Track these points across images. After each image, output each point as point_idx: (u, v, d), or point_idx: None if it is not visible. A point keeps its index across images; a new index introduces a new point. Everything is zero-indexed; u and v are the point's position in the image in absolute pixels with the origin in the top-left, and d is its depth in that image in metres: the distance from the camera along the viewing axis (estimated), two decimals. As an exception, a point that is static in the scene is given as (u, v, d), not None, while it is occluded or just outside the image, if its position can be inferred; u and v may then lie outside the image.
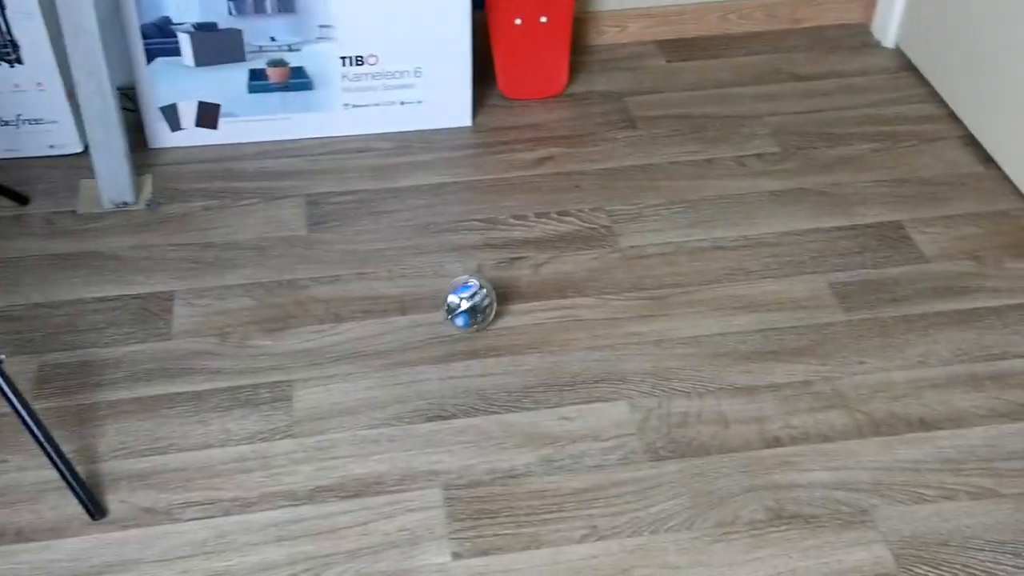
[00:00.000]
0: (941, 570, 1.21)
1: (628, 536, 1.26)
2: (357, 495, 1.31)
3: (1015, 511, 1.26)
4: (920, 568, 1.21)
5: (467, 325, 1.46)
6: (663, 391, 1.44)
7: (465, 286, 1.47)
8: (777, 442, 1.37)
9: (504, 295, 1.59)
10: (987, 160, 1.81)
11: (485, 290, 1.47)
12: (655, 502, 1.30)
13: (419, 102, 1.89)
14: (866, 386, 1.44)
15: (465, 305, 1.44)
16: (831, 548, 1.24)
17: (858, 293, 1.58)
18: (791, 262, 1.64)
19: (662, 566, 1.23)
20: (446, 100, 1.89)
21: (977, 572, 1.20)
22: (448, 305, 1.46)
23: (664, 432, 1.38)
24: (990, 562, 1.21)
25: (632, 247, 1.67)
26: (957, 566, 1.21)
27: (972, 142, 1.85)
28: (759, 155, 1.84)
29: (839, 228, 1.70)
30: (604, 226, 1.71)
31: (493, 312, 1.49)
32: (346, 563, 1.24)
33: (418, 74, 1.86)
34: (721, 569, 1.22)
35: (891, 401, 1.42)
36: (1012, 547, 1.22)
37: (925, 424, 1.38)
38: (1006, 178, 1.76)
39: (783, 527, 1.27)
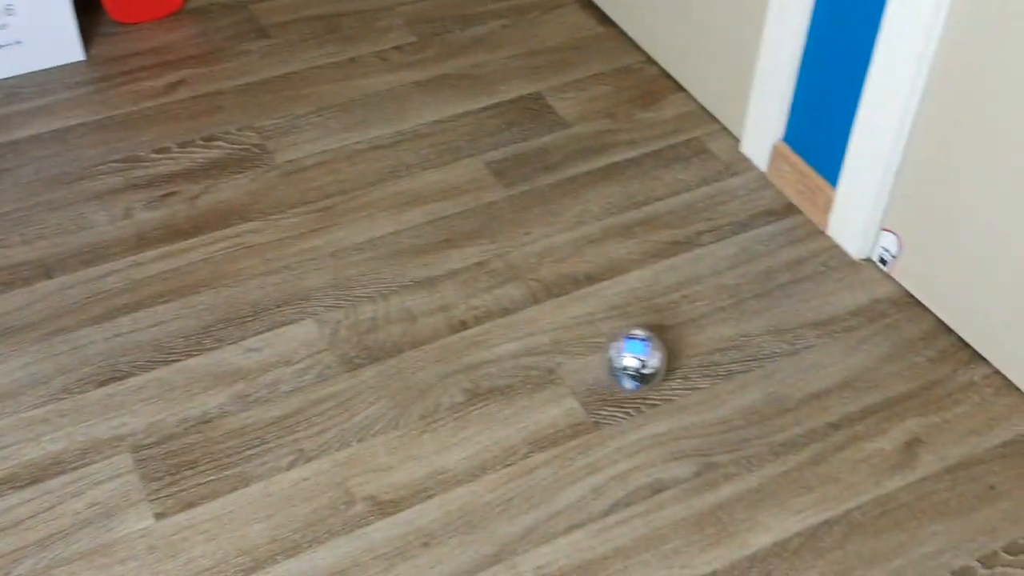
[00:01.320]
0: (623, 406, 1.30)
1: (337, 450, 1.25)
2: (35, 481, 1.19)
3: (676, 338, 1.38)
4: (606, 410, 1.30)
5: (635, 389, 1.28)
6: (347, 301, 1.42)
7: (641, 342, 1.26)
8: (463, 325, 1.40)
9: (160, 236, 1.48)
10: (605, 21, 1.89)
11: (661, 353, 1.27)
12: (358, 411, 1.29)
13: (18, 42, 1.68)
14: (534, 255, 1.50)
15: (646, 370, 1.25)
16: (527, 412, 1.30)
17: (513, 168, 1.63)
18: (447, 149, 1.66)
19: (375, 470, 1.24)
20: (49, 36, 1.69)
21: (655, 401, 1.30)
22: (622, 364, 1.26)
23: (355, 341, 1.37)
24: (665, 389, 1.32)
25: (289, 161, 1.61)
26: (637, 400, 1.31)
27: (589, 5, 1.92)
28: (398, 47, 1.82)
29: (485, 108, 1.74)
30: (256, 145, 1.63)
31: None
32: (39, 554, 1.13)
33: (10, 11, 1.64)
34: (431, 458, 1.25)
35: (558, 264, 1.49)
36: (680, 371, 1.34)
37: (591, 278, 1.46)
38: (624, 35, 1.86)
39: (482, 404, 1.31)
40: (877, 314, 1.40)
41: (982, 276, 1.31)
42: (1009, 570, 1.13)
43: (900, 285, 1.43)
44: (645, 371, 1.26)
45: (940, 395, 1.30)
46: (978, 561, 1.14)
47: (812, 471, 1.22)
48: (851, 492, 1.20)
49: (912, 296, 1.42)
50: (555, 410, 1.29)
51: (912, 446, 1.25)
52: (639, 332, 1.27)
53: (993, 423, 1.27)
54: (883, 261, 1.45)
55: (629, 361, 1.26)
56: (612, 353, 1.27)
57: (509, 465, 1.24)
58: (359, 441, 1.26)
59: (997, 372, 1.32)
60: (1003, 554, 1.14)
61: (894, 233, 1.42)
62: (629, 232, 1.53)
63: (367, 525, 1.18)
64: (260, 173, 1.59)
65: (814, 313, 1.40)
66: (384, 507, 1.20)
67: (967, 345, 1.36)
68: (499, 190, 1.59)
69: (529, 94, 1.76)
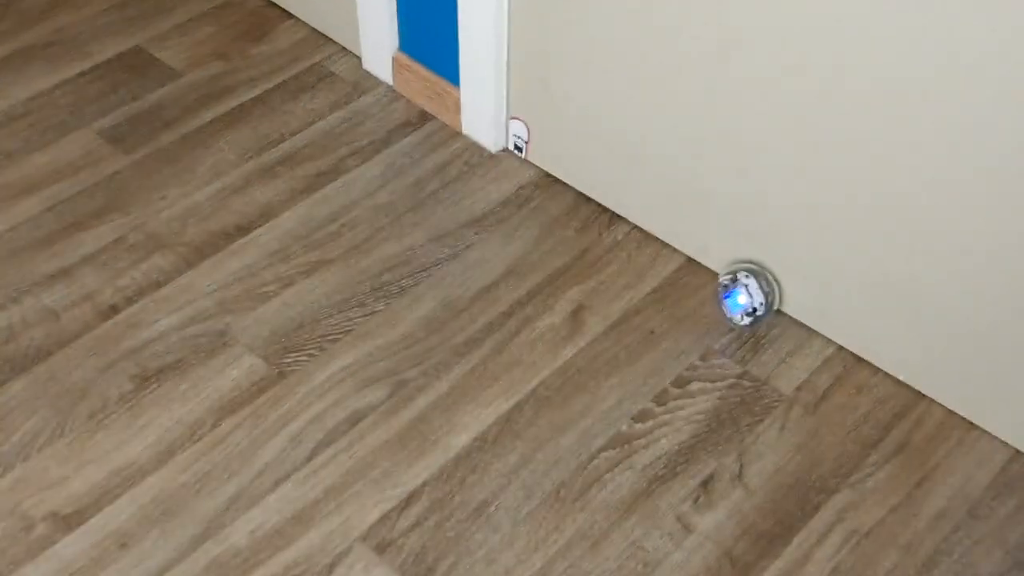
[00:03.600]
0: (305, 350, 1.29)
1: (1, 477, 1.16)
2: None
3: (343, 268, 1.38)
4: (288, 357, 1.28)
5: (768, 314, 1.26)
6: (-28, 315, 1.30)
7: (730, 296, 1.24)
8: (114, 310, 1.33)
9: None
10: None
11: (753, 282, 1.24)
12: (14, 429, 1.20)
13: None
14: (176, 218, 1.43)
15: (760, 310, 1.23)
16: (206, 381, 1.26)
17: (130, 132, 1.54)
18: (50, 126, 1.53)
19: (49, 485, 1.16)
20: None
21: (335, 335, 1.31)
22: (741, 323, 1.25)
23: (-8, 356, 1.27)
24: (343, 321, 1.32)
25: None
26: (317, 339, 1.30)
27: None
28: (-36, 23, 1.65)
29: (82, 74, 1.61)
30: None
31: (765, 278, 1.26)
32: None
33: None
34: (110, 456, 1.19)
35: (204, 222, 1.43)
36: (354, 300, 1.34)
37: (242, 229, 1.42)
38: (220, -30, 1.79)
39: (154, 386, 1.26)
40: (523, 200, 1.45)
41: (601, 142, 1.37)
42: (680, 401, 1.24)
43: (538, 167, 1.49)
44: (760, 312, 1.26)
45: (592, 260, 1.38)
46: (652, 401, 1.24)
47: (495, 361, 1.26)
48: (533, 371, 1.26)
49: (550, 175, 1.48)
50: (235, 371, 1.26)
51: (578, 314, 1.32)
52: (724, 280, 1.27)
53: (642, 273, 1.36)
54: (518, 148, 1.49)
55: (742, 318, 1.27)
56: (728, 316, 1.28)
57: (198, 440, 1.20)
58: (23, 460, 1.18)
59: (636, 227, 1.41)
60: (672, 388, 1.25)
61: (521, 120, 1.46)
62: (271, 173, 1.50)
63: (54, 544, 1.11)
64: None
65: (467, 213, 1.43)
66: (69, 520, 1.13)
67: (606, 209, 1.44)
68: (120, 158, 1.51)
69: (128, 49, 1.66)
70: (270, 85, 1.62)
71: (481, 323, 1.31)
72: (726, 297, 1.27)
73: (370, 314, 1.32)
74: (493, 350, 1.28)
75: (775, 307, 1.29)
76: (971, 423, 1.22)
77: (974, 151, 1.03)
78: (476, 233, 1.41)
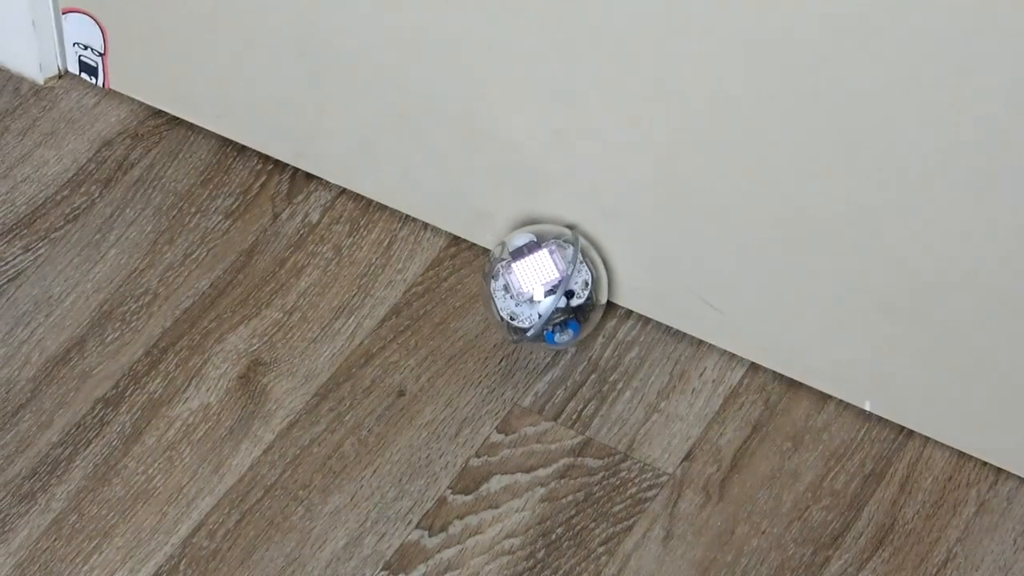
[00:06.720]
0: None
1: None
2: None
3: None
4: None
5: (577, 332, 1.22)
6: None
7: (534, 252, 1.20)
8: None
9: None
10: None
11: (569, 251, 1.23)
12: None
13: None
14: None
15: (578, 295, 1.21)
16: None
17: None
18: None
19: None
20: None
21: None
22: (520, 321, 1.19)
23: None
24: None
25: None
26: None
27: None
28: None
29: None
30: None
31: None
32: None
33: None
34: None
35: None
36: None
37: None
38: None
39: None
40: (115, 168, 1.33)
41: (257, 38, 1.29)
42: (470, 519, 1.09)
43: (133, 100, 1.38)
44: (579, 295, 1.20)
45: (267, 269, 1.27)
46: (419, 528, 1.10)
47: (99, 499, 1.12)
48: (181, 506, 1.12)
49: (160, 113, 1.37)
50: None
51: (251, 378, 1.21)
52: (515, 245, 1.20)
53: (368, 280, 1.25)
54: (88, 69, 1.42)
55: (523, 310, 1.18)
56: (509, 311, 1.19)
57: None
58: None
59: (344, 192, 1.31)
60: (453, 497, 1.11)
61: (87, 13, 1.37)
62: None
63: None
64: None
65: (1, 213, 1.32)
66: None
67: (280, 164, 1.33)
68: None
69: None
70: None
71: (60, 428, 1.17)
72: (511, 263, 1.19)
73: None
74: (92, 477, 1.14)
75: (600, 296, 1.23)
76: (998, 468, 1.16)
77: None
78: (26, 250, 1.29)
